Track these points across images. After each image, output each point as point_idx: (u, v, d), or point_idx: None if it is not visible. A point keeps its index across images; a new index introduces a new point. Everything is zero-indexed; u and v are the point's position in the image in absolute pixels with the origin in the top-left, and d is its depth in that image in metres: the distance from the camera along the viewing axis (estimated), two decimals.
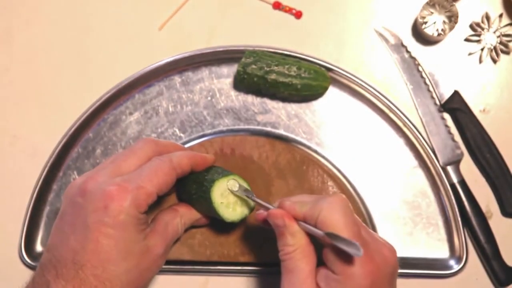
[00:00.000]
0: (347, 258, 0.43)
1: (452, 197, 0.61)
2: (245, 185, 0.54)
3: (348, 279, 0.43)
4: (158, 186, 0.49)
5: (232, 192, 0.53)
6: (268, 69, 0.61)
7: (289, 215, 0.46)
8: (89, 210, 0.47)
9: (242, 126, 0.64)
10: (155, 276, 0.61)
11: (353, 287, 0.42)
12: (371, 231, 0.48)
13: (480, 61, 0.65)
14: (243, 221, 0.55)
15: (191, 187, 0.55)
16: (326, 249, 0.44)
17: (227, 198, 0.53)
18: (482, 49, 0.65)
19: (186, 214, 0.56)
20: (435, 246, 0.62)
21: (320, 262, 0.46)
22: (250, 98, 0.65)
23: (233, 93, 0.65)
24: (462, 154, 0.63)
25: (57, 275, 0.46)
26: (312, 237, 0.46)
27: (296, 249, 0.45)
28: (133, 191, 0.47)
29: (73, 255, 0.46)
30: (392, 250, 0.46)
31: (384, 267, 0.44)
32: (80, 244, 0.46)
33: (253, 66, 0.61)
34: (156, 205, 0.58)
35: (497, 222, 0.62)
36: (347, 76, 0.63)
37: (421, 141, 0.63)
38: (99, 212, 0.46)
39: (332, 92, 0.64)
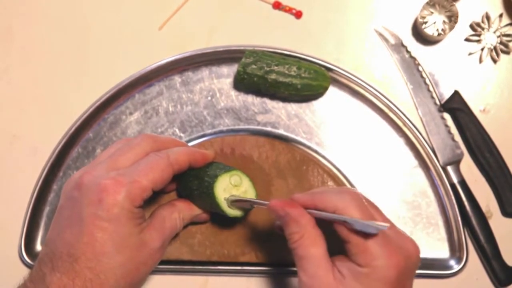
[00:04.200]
0: (371, 251, 0.43)
1: (452, 197, 0.61)
2: (247, 180, 0.54)
3: (374, 271, 0.43)
4: (154, 181, 0.49)
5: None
6: (268, 69, 0.61)
7: (290, 203, 0.46)
8: (84, 203, 0.47)
9: (242, 126, 0.64)
10: (154, 276, 0.61)
11: (379, 279, 0.43)
12: (394, 225, 0.47)
13: (480, 61, 0.65)
14: (245, 216, 0.54)
15: (192, 183, 0.55)
16: (348, 244, 0.44)
17: (230, 193, 0.53)
18: (482, 49, 0.65)
19: (185, 209, 0.55)
20: (435, 246, 0.62)
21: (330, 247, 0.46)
22: (250, 98, 0.65)
23: (233, 93, 0.65)
24: (462, 154, 0.63)
25: (53, 268, 0.46)
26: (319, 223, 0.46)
27: (303, 235, 0.45)
28: (128, 185, 0.47)
29: (68, 248, 0.46)
30: (415, 245, 0.46)
31: (408, 260, 0.45)
32: (75, 237, 0.47)
33: (253, 66, 0.61)
34: (156, 201, 0.58)
35: (497, 222, 0.62)
36: (347, 76, 0.63)
37: (421, 141, 0.63)
38: (93, 205, 0.47)
39: (332, 92, 0.64)
